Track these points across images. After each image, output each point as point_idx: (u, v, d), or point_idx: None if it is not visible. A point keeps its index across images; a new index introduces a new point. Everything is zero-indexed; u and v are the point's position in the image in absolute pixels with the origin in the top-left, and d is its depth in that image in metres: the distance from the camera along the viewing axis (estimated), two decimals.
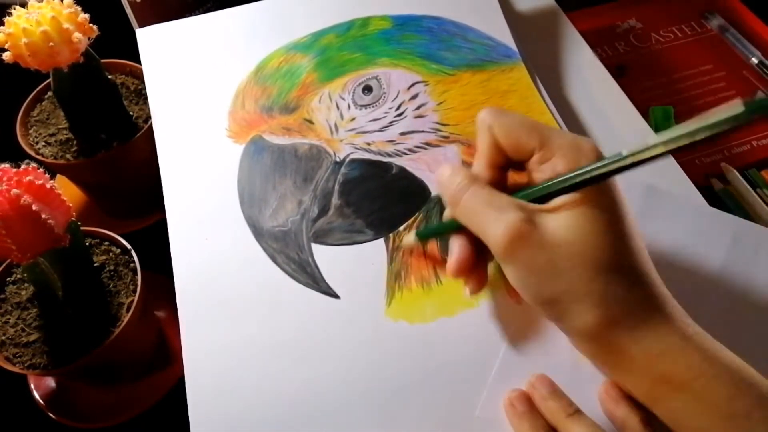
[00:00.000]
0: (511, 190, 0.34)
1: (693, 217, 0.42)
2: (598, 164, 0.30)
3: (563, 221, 0.31)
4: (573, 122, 0.50)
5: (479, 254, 0.35)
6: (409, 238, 0.41)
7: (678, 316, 0.31)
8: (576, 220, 0.31)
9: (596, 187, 0.31)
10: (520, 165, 0.35)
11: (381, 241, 0.41)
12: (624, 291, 0.30)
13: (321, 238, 0.41)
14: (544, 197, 0.32)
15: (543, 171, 0.33)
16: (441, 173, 0.35)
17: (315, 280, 0.40)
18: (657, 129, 0.56)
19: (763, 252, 0.41)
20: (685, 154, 0.55)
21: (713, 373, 0.29)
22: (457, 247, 0.35)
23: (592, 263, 0.30)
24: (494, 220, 0.31)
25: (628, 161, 0.29)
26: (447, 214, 0.36)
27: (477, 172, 0.35)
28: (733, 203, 0.52)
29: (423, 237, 0.40)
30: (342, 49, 0.50)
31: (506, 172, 0.36)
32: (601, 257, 0.30)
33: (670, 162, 0.48)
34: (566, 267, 0.30)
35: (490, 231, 0.31)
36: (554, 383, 0.35)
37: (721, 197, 0.53)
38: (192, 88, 0.48)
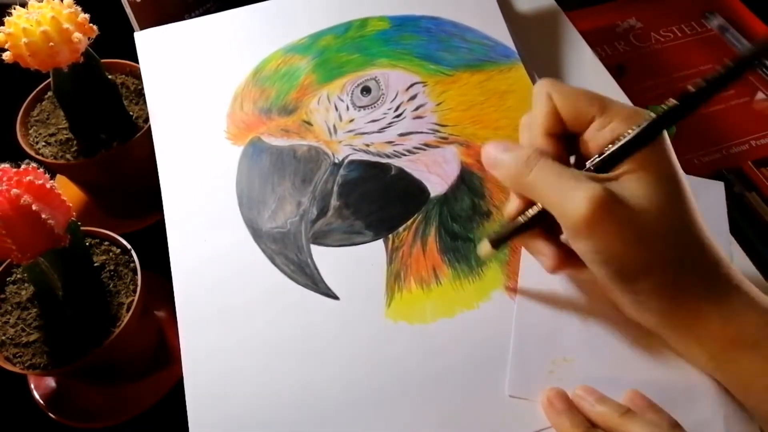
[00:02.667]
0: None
1: None
2: (657, 114, 0.31)
3: (635, 189, 0.31)
4: None
5: (550, 232, 0.35)
6: (485, 248, 0.39)
7: (741, 277, 0.32)
8: (646, 187, 0.31)
9: (653, 153, 0.31)
10: (572, 139, 0.35)
11: (380, 242, 0.41)
12: (699, 255, 0.31)
13: (320, 239, 0.41)
14: (608, 162, 0.32)
15: (602, 136, 0.33)
16: (489, 151, 0.35)
17: (314, 282, 0.40)
18: None
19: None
20: (684, 154, 0.55)
21: None
22: (544, 248, 0.35)
23: (671, 229, 0.31)
24: (572, 191, 0.31)
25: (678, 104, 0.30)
26: (512, 203, 0.36)
27: (534, 143, 0.35)
28: (735, 206, 0.52)
29: (499, 244, 0.38)
30: (340, 50, 0.50)
31: (562, 145, 0.35)
32: (678, 222, 0.31)
33: None
34: (650, 234, 0.30)
35: (568, 204, 0.31)
36: (598, 391, 0.35)
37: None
38: (190, 91, 0.48)
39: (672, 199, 0.31)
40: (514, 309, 0.39)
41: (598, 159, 0.33)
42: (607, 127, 0.33)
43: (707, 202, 0.42)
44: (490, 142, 0.36)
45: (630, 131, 0.32)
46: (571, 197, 0.31)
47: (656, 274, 0.31)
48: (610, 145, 0.32)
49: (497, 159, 0.35)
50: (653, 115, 0.32)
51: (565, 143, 0.35)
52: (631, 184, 0.31)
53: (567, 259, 0.35)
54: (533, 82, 0.49)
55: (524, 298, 0.39)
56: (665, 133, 0.32)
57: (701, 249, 0.31)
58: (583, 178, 0.31)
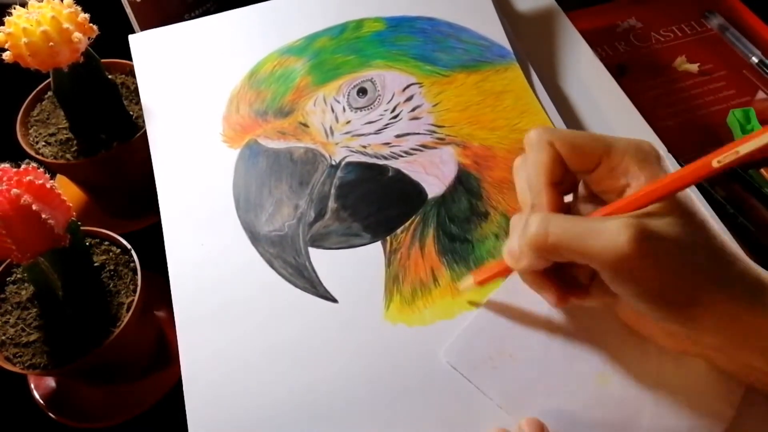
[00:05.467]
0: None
1: None
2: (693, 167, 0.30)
3: (667, 225, 0.30)
4: (573, 122, 0.50)
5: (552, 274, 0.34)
6: (467, 283, 0.39)
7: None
8: (677, 222, 0.30)
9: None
10: (573, 185, 0.35)
11: (378, 245, 0.41)
12: (739, 270, 0.31)
13: (318, 242, 0.41)
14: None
15: (614, 177, 0.32)
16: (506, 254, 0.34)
17: (313, 285, 0.40)
18: (742, 131, 0.56)
19: None
20: (683, 155, 0.55)
21: None
22: (545, 284, 0.34)
23: (711, 250, 0.30)
24: (607, 232, 0.29)
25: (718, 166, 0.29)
26: (528, 261, 0.33)
27: (536, 199, 0.34)
28: (737, 208, 0.52)
29: (485, 282, 0.38)
30: (336, 51, 0.50)
31: (560, 190, 0.34)
32: (715, 243, 0.31)
33: (671, 162, 0.47)
34: (691, 265, 0.30)
35: (606, 244, 0.29)
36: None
37: (724, 204, 0.52)
38: (186, 94, 0.48)
39: (704, 225, 0.31)
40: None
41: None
42: (618, 168, 0.32)
43: None
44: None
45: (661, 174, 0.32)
46: (607, 237, 0.29)
47: (706, 300, 0.30)
48: (629, 188, 0.32)
49: (511, 254, 0.33)
50: (654, 150, 0.32)
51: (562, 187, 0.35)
52: (662, 220, 0.30)
53: (570, 291, 0.34)
54: (533, 82, 0.49)
55: (509, 291, 0.38)
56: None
57: (737, 261, 0.31)
58: (605, 221, 0.30)
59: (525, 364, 0.36)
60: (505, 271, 0.36)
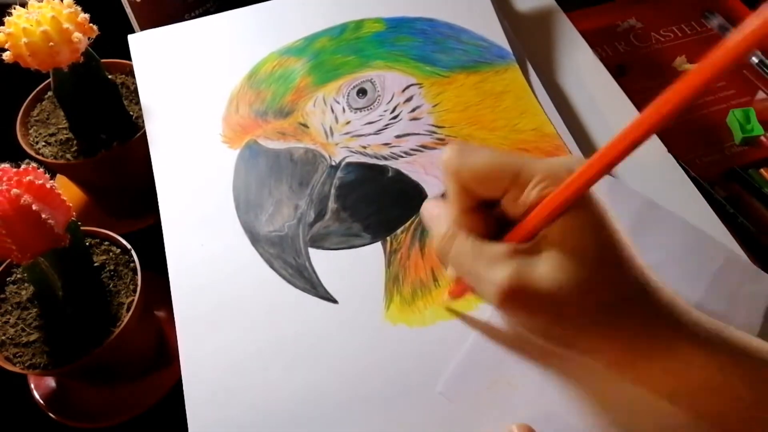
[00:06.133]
0: (497, 223, 0.32)
1: (683, 240, 0.42)
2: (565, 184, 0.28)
3: (554, 260, 0.28)
4: (573, 122, 0.50)
5: None
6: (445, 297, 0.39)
7: (691, 319, 0.30)
8: (566, 257, 0.28)
9: (576, 209, 0.28)
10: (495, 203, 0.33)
11: (378, 245, 0.41)
12: (631, 318, 0.29)
13: (318, 242, 0.41)
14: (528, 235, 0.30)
15: (518, 205, 0.30)
16: (427, 210, 0.34)
17: (313, 285, 0.40)
18: (742, 131, 0.56)
19: (745, 291, 0.40)
20: (684, 154, 0.55)
21: (745, 365, 0.29)
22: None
23: (593, 300, 0.28)
24: (484, 276, 0.30)
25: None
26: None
27: (455, 218, 0.32)
28: (737, 208, 0.52)
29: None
30: (336, 52, 0.50)
31: (487, 209, 0.33)
32: (600, 292, 0.29)
33: (670, 162, 0.47)
34: (568, 311, 0.29)
35: (482, 288, 0.30)
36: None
37: (723, 204, 0.52)
38: (185, 94, 0.48)
39: (597, 264, 0.28)
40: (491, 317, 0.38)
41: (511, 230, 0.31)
42: (520, 198, 0.30)
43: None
44: (428, 201, 0.35)
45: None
46: (484, 284, 0.30)
47: (583, 341, 0.30)
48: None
49: (426, 222, 0.34)
50: (568, 170, 0.28)
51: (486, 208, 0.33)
52: (552, 253, 0.29)
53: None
54: (532, 82, 0.49)
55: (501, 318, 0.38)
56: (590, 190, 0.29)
57: (635, 307, 0.29)
58: (497, 258, 0.29)
59: (522, 392, 0.36)
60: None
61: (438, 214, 0.33)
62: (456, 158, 0.31)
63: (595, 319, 0.29)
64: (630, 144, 0.25)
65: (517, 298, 0.29)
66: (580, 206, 0.29)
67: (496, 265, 0.29)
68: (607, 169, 0.26)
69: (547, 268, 0.28)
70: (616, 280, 0.29)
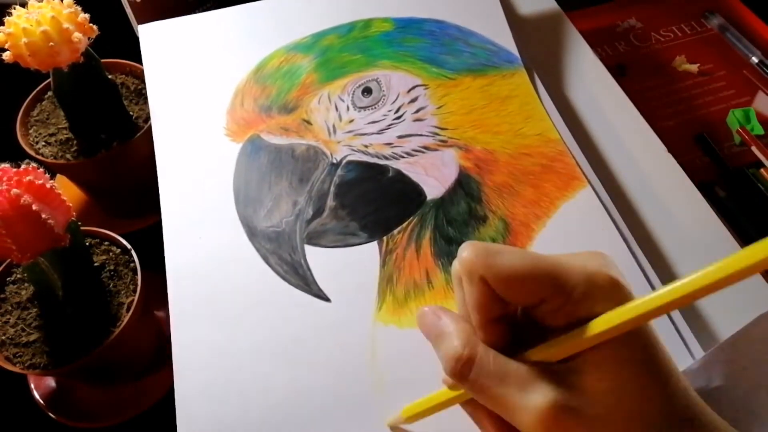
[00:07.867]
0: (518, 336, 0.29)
1: None
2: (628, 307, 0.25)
3: (599, 383, 0.26)
4: (573, 122, 0.50)
5: None
6: (394, 419, 0.35)
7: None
8: (613, 380, 0.26)
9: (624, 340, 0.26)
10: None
11: (374, 244, 0.41)
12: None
13: (315, 239, 0.41)
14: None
15: (562, 318, 0.27)
16: (427, 322, 0.30)
17: (307, 282, 0.40)
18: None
19: None
20: (683, 155, 0.55)
21: None
22: (485, 422, 0.30)
23: (642, 424, 0.26)
24: (518, 402, 0.26)
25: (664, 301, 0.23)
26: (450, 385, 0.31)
27: (472, 333, 0.29)
28: (737, 208, 0.52)
29: (415, 419, 0.34)
30: (343, 50, 0.49)
31: (502, 324, 0.29)
32: (650, 416, 0.26)
33: (670, 162, 0.47)
34: None
35: (517, 418, 0.26)
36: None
37: (724, 203, 0.53)
38: (192, 86, 0.48)
39: (645, 388, 0.26)
40: None
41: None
42: (564, 308, 0.27)
43: None
44: (427, 310, 0.31)
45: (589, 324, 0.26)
46: (516, 409, 0.26)
47: None
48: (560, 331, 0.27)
49: (433, 340, 0.30)
50: (618, 279, 0.26)
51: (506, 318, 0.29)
52: (595, 375, 0.26)
53: None
54: (537, 86, 0.49)
55: None
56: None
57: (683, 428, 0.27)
58: (532, 381, 0.26)
59: None
60: (442, 406, 0.32)
61: (444, 328, 0.29)
62: (481, 259, 0.27)
63: None
64: (717, 285, 0.22)
65: (561, 427, 0.26)
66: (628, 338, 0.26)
67: (530, 390, 0.26)
68: (684, 303, 0.23)
69: (594, 386, 0.26)
70: (666, 411, 0.26)
